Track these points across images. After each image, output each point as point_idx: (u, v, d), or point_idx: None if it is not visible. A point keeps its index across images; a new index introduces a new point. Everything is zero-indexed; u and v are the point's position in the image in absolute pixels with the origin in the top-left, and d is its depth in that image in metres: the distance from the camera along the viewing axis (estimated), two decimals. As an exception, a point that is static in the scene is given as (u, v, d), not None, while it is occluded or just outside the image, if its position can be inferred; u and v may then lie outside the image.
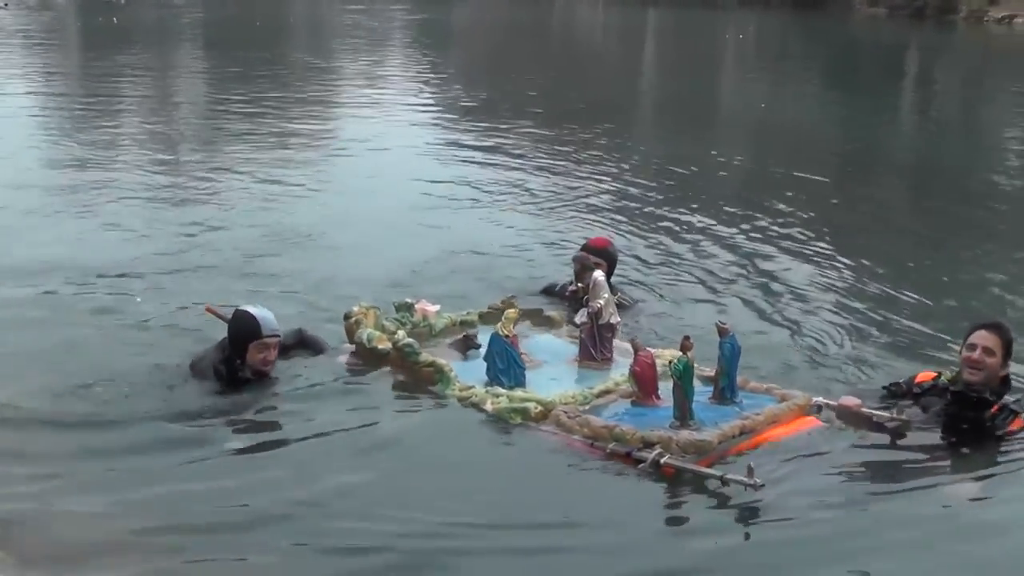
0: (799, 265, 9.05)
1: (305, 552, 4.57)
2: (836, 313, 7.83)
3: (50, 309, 7.42)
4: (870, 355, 7.01)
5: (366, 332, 6.16)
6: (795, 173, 13.60)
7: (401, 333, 6.09)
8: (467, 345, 6.23)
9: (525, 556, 4.61)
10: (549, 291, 7.28)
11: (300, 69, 24.40)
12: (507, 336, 5.84)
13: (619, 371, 6.01)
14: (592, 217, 10.56)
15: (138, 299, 7.59)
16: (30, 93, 19.30)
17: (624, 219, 10.57)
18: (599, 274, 6.11)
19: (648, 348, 5.74)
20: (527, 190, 11.95)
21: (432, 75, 25.35)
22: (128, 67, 23.53)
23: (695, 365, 5.54)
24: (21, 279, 7.96)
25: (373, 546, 4.59)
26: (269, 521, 4.75)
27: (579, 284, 6.24)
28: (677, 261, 9.04)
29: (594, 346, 6.15)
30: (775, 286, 8.39)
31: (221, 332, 6.18)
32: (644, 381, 5.63)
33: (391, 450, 5.42)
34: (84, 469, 5.23)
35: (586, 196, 11.68)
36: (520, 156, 14.03)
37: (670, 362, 5.45)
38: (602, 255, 6.99)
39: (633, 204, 11.34)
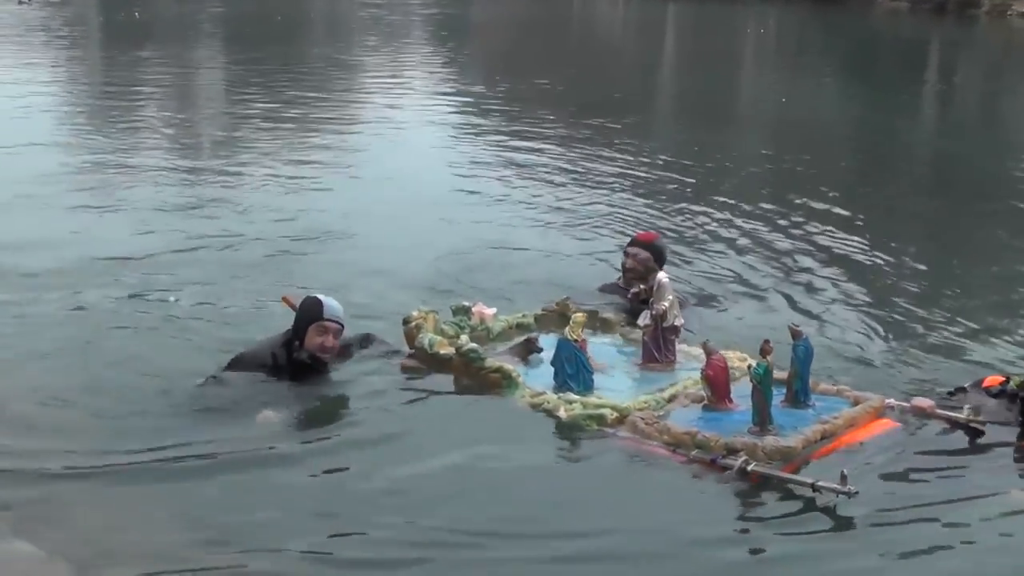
0: (834, 261, 8.98)
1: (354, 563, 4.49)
2: (878, 311, 7.78)
3: (85, 306, 7.30)
4: (919, 354, 6.97)
5: (427, 337, 6.06)
6: (817, 168, 13.60)
7: (464, 338, 6.00)
8: (529, 349, 6.14)
9: (605, 563, 4.52)
10: (607, 290, 7.20)
11: (321, 63, 23.93)
12: (576, 340, 5.75)
13: (685, 374, 5.95)
14: (619, 213, 10.45)
15: (172, 298, 7.46)
16: (52, 87, 18.98)
17: (651, 214, 10.50)
18: (664, 275, 6.04)
19: (720, 351, 5.66)
20: (552, 183, 11.84)
21: (452, 69, 25.04)
22: (151, 61, 23.15)
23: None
24: (51, 276, 7.81)
25: (433, 558, 4.50)
26: (317, 526, 4.68)
27: (642, 286, 6.16)
28: (710, 258, 8.96)
29: (658, 348, 6.08)
30: (815, 282, 8.33)
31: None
32: (717, 385, 5.56)
33: (455, 456, 5.29)
34: (119, 462, 5.17)
35: (611, 192, 11.57)
36: (543, 151, 13.88)
37: (749, 366, 5.38)
38: (651, 250, 6.92)
39: (658, 200, 11.22)
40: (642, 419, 5.39)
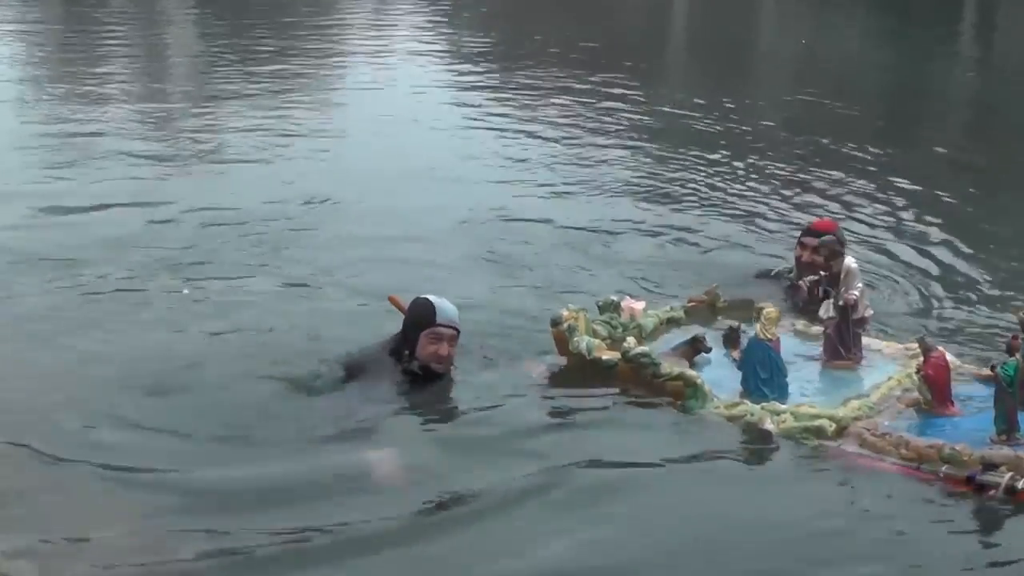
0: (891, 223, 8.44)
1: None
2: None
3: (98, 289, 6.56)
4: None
5: (584, 341, 5.26)
6: (843, 115, 12.93)
7: (631, 341, 5.21)
8: (696, 349, 5.36)
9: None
10: (760, 278, 6.46)
11: (301, 18, 22.41)
12: (769, 340, 5.00)
13: (880, 373, 5.23)
14: (640, 172, 9.92)
15: (184, 290, 6.62)
16: (10, 46, 17.81)
17: (665, 173, 9.88)
18: (852, 260, 5.29)
19: (939, 347, 4.94)
20: (564, 141, 11.16)
21: (441, 21, 23.77)
22: (117, 19, 21.77)
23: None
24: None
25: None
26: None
27: (822, 272, 5.41)
28: (741, 215, 8.38)
29: (843, 344, 5.34)
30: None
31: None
32: (939, 386, 4.84)
33: (645, 492, 4.49)
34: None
35: (625, 149, 10.98)
36: (548, 106, 13.12)
37: (993, 366, 4.65)
38: (828, 241, 6.16)
39: (674, 156, 10.57)
40: (867, 430, 4.65)
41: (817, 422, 4.68)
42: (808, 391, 5.12)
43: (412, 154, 10.46)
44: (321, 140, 11.11)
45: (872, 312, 5.40)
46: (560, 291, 6.69)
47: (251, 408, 5.09)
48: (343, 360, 5.30)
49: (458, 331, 5.23)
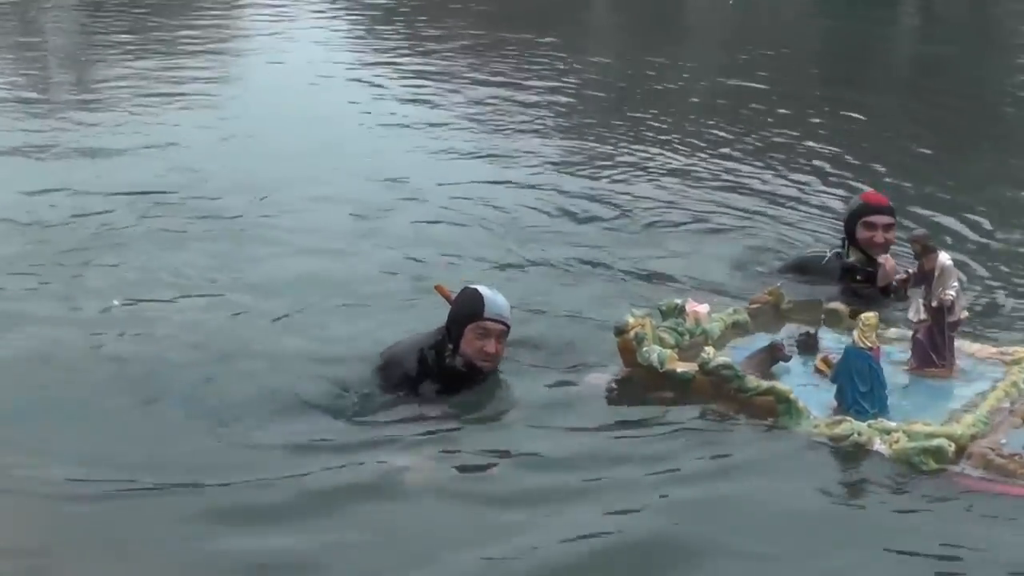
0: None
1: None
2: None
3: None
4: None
5: (655, 352, 4.69)
6: (778, 85, 12.39)
7: (710, 351, 4.64)
8: (774, 358, 4.82)
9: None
10: (806, 268, 5.93)
11: None
12: (869, 349, 4.47)
13: (983, 382, 4.73)
14: (564, 144, 9.50)
15: (115, 301, 5.89)
16: None
17: (590, 145, 9.46)
18: (946, 257, 4.77)
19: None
20: (480, 110, 10.67)
21: None
22: None
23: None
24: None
25: None
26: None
27: (908, 271, 4.90)
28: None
29: (936, 349, 4.83)
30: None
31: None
32: (1061, 398, 4.36)
33: (737, 523, 3.93)
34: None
35: (538, 119, 10.51)
36: (462, 72, 12.51)
37: None
38: (894, 213, 5.71)
39: (597, 126, 10.10)
40: (991, 449, 4.15)
41: (935, 442, 4.16)
42: (904, 405, 4.59)
43: (347, 133, 9.88)
44: (221, 115, 10.43)
45: (967, 315, 4.89)
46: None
47: (277, 408, 4.66)
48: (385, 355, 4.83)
49: (508, 327, 4.73)
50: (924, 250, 4.79)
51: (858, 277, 5.60)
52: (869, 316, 4.49)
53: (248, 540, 3.80)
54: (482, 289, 4.74)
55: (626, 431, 4.54)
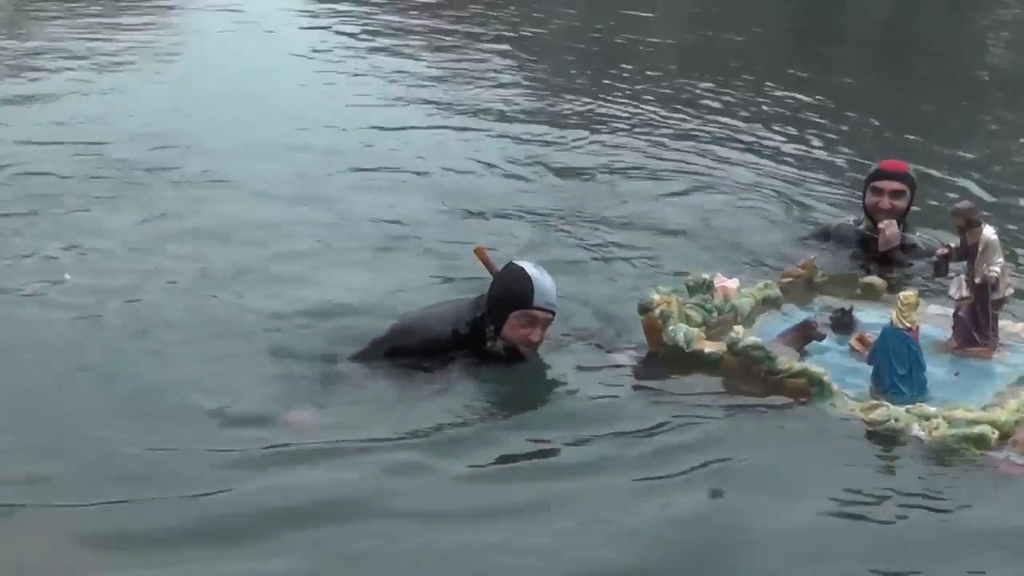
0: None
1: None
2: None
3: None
4: None
5: (681, 331, 4.48)
6: (731, 55, 12.01)
7: (739, 330, 4.42)
8: (807, 336, 4.59)
9: None
10: (828, 236, 5.74)
11: None
12: (908, 329, 4.23)
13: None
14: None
15: (67, 275, 5.48)
16: None
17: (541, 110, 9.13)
18: (991, 231, 4.52)
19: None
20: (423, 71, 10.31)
21: None
22: None
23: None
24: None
25: None
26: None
27: (950, 246, 4.65)
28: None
29: (978, 328, 4.59)
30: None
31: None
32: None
33: (772, 514, 3.70)
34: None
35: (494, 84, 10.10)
36: (415, 29, 12.20)
37: None
38: (907, 181, 5.49)
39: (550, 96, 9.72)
40: (1037, 438, 3.92)
41: (977, 428, 3.94)
42: (945, 387, 4.35)
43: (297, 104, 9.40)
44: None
45: (1012, 291, 4.64)
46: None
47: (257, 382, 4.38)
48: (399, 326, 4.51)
49: (555, 314, 4.46)
50: (968, 224, 4.54)
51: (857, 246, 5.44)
52: (909, 295, 4.25)
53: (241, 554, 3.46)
54: (530, 269, 4.39)
55: (650, 413, 4.31)
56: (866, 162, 6.89)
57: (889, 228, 5.41)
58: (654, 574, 3.42)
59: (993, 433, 3.93)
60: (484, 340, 4.42)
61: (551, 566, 3.41)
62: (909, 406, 4.08)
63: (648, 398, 4.42)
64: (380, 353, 4.42)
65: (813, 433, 4.13)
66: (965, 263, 4.59)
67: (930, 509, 3.73)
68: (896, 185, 5.46)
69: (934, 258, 4.79)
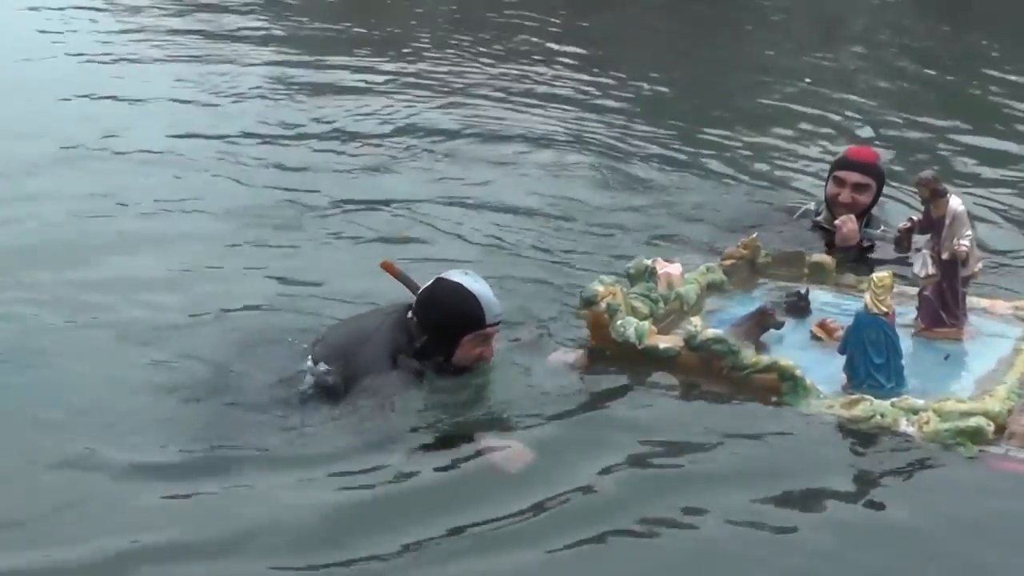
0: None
1: None
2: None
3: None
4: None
5: (632, 325, 3.99)
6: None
7: (697, 322, 3.96)
8: (763, 326, 4.16)
9: None
10: (793, 220, 5.28)
11: None
12: (884, 314, 3.83)
13: (998, 342, 4.16)
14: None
15: None
16: None
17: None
18: (958, 203, 4.15)
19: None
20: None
21: None
22: None
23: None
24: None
25: None
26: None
27: (912, 219, 4.27)
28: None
29: (946, 308, 4.22)
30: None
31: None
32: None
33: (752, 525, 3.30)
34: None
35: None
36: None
37: None
38: (873, 173, 5.03)
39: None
40: (1035, 429, 3.56)
41: (972, 421, 3.55)
42: (919, 373, 3.96)
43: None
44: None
45: (981, 267, 4.29)
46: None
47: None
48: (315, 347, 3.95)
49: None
50: (933, 195, 4.16)
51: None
52: (883, 276, 3.85)
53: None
54: (469, 284, 3.84)
55: (599, 416, 3.84)
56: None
57: (846, 224, 4.93)
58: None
59: (989, 425, 3.55)
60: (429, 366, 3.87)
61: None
62: (894, 399, 3.68)
63: (602, 402, 3.92)
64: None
65: (788, 433, 3.71)
66: (929, 237, 4.21)
67: (927, 509, 3.36)
68: (859, 177, 4.98)
69: (896, 232, 4.40)
